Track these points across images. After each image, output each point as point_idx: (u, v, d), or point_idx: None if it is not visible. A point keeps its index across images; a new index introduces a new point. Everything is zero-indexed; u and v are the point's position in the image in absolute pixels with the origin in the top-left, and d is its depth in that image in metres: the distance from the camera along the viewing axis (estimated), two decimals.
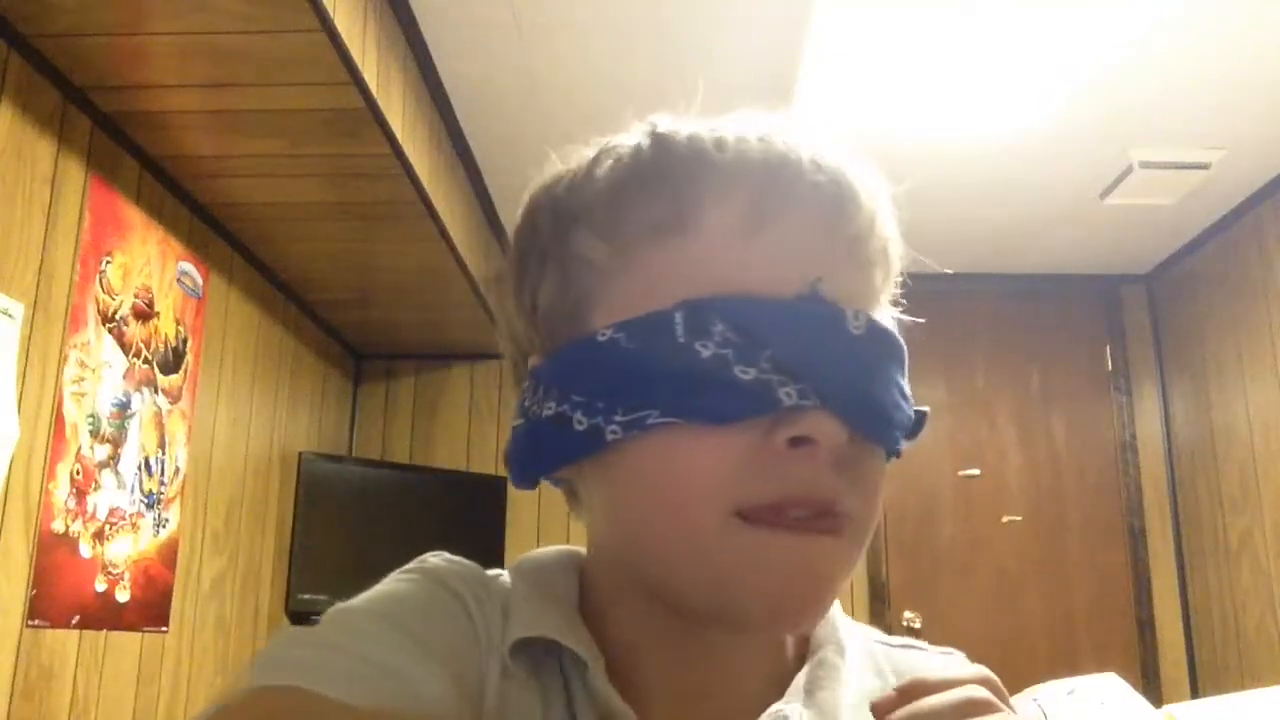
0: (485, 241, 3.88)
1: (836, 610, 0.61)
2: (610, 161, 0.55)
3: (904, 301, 0.59)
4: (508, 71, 3.09)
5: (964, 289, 4.50)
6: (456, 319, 4.14)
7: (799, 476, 0.48)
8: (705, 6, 2.78)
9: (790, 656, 0.60)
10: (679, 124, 0.56)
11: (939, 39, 2.83)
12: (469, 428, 4.63)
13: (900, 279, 0.58)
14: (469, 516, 4.32)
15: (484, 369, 4.66)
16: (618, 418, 0.50)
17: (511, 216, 0.61)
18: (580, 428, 0.51)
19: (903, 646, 0.63)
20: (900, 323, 0.57)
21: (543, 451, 0.54)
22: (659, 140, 0.54)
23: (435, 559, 0.59)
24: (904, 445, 0.54)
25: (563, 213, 0.56)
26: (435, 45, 2.96)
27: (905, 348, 0.54)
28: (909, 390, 0.54)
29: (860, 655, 0.60)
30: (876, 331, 0.51)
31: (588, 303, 0.53)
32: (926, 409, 0.56)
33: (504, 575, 0.61)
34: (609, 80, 3.09)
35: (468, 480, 4.41)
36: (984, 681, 0.48)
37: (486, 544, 4.33)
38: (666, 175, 0.53)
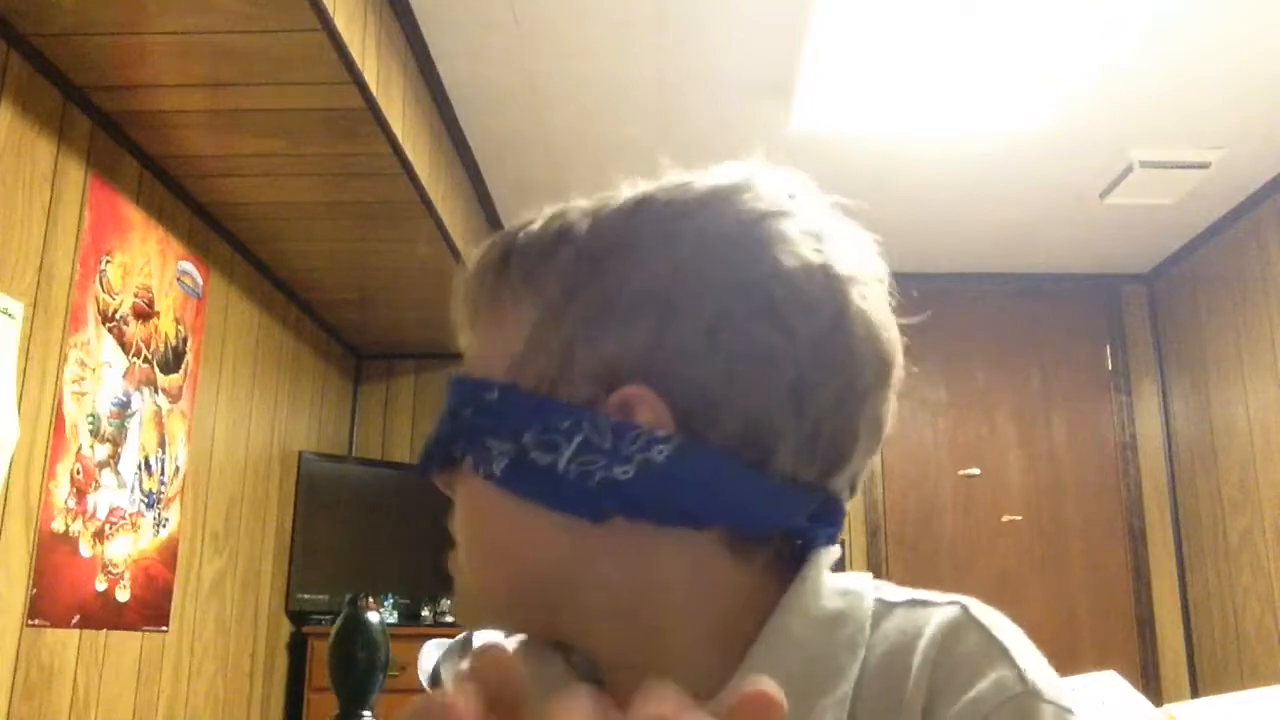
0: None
1: (810, 582, 0.54)
2: None
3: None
4: (508, 71, 3.09)
5: (964, 289, 4.50)
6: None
7: None
8: (705, 6, 2.78)
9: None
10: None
11: (938, 39, 2.83)
12: None
13: (888, 279, 0.58)
14: None
15: None
16: None
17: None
18: None
19: (907, 603, 0.56)
20: (900, 322, 0.56)
21: None
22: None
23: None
24: (436, 461, 0.58)
25: None
26: (435, 45, 2.96)
27: (469, 381, 0.57)
28: (460, 401, 0.58)
29: (814, 638, 0.53)
30: (451, 378, 0.59)
31: None
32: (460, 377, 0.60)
33: None
34: (609, 79, 3.09)
35: None
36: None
37: None
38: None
